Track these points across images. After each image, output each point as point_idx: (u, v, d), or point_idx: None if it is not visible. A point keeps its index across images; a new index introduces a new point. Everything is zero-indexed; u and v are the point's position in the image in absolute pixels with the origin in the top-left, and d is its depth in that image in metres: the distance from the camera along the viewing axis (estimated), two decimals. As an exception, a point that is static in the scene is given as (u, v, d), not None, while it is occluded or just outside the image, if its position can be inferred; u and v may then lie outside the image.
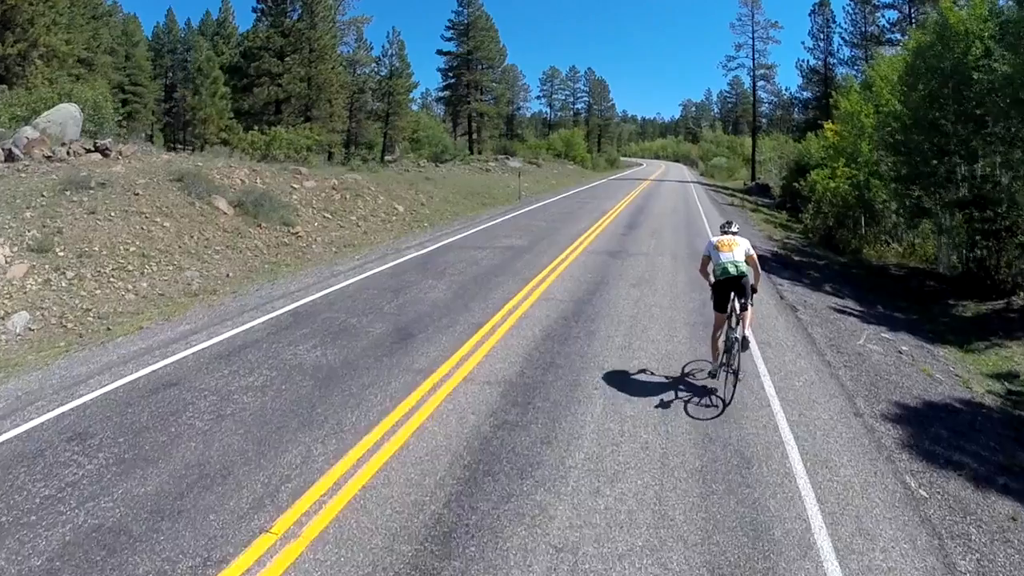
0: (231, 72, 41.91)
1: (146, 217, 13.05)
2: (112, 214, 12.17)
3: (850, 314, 10.27)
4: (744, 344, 6.02)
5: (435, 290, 9.81)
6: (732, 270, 6.16)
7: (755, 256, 6.48)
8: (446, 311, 8.61)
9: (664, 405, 5.84)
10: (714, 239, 6.56)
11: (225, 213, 15.27)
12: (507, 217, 20.52)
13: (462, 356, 6.85)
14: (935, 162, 15.37)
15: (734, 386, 5.93)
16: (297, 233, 16.00)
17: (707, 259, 6.66)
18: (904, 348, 8.62)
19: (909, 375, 7.39)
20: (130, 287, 9.95)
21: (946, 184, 15.36)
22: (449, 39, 61.51)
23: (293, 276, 11.37)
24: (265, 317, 8.14)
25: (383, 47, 49.34)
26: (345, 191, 21.91)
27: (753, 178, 50.55)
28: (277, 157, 26.72)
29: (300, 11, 37.49)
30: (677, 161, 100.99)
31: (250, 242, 14.46)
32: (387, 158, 55.50)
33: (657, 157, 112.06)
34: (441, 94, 64.97)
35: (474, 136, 62.56)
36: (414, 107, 74.09)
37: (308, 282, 10.37)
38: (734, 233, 6.70)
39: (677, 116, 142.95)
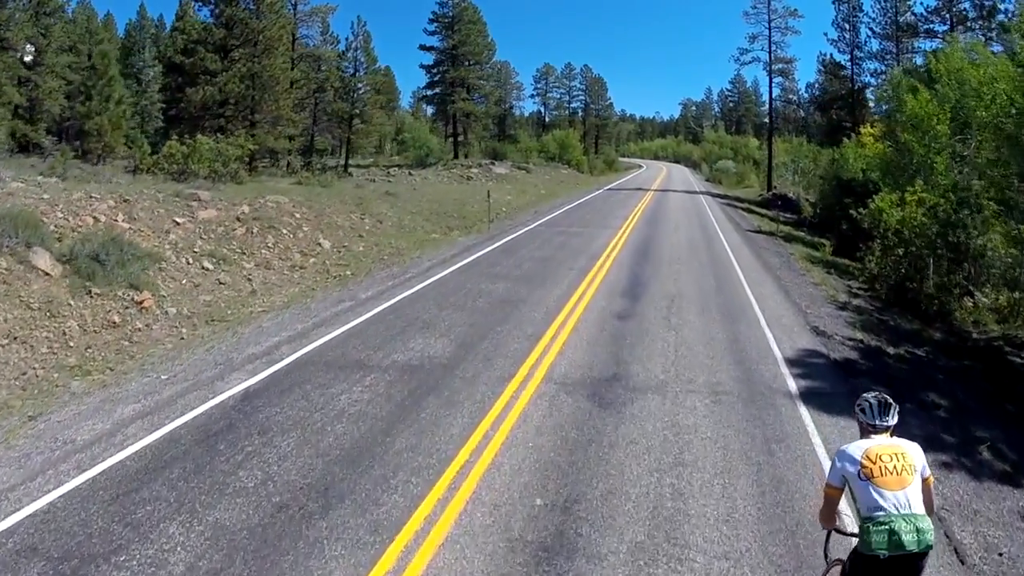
0: (172, 71, 36.59)
1: (-91, 296, 7.92)
2: None
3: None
4: None
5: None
6: (911, 541, 2.75)
7: (932, 480, 3.14)
8: None
9: None
10: (857, 449, 3.02)
11: (46, 275, 9.95)
12: (454, 268, 14.71)
13: None
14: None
15: None
16: (142, 303, 10.61)
17: (838, 493, 3.14)
18: None
19: None
20: None
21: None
22: (433, 33, 56.19)
23: (48, 420, 6.06)
24: None
25: (347, 39, 43.86)
26: (255, 221, 16.45)
27: (769, 187, 44.97)
28: (197, 173, 21.39)
29: (247, -2, 32.08)
30: (678, 162, 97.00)
31: (59, 325, 9.09)
32: (364, 161, 50.35)
33: (656, 158, 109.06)
34: (426, 93, 59.60)
35: (460, 138, 57.31)
36: (404, 106, 68.95)
37: (10, 481, 4.91)
38: (889, 428, 3.09)
39: (677, 115, 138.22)
